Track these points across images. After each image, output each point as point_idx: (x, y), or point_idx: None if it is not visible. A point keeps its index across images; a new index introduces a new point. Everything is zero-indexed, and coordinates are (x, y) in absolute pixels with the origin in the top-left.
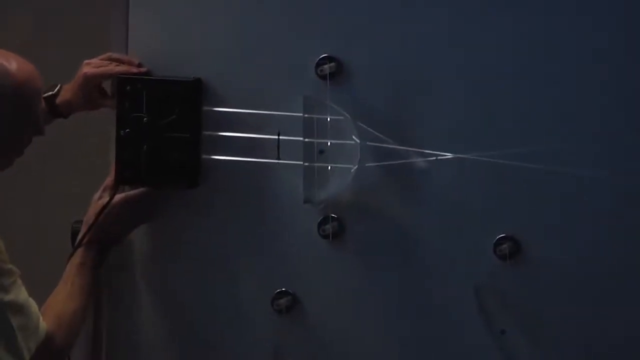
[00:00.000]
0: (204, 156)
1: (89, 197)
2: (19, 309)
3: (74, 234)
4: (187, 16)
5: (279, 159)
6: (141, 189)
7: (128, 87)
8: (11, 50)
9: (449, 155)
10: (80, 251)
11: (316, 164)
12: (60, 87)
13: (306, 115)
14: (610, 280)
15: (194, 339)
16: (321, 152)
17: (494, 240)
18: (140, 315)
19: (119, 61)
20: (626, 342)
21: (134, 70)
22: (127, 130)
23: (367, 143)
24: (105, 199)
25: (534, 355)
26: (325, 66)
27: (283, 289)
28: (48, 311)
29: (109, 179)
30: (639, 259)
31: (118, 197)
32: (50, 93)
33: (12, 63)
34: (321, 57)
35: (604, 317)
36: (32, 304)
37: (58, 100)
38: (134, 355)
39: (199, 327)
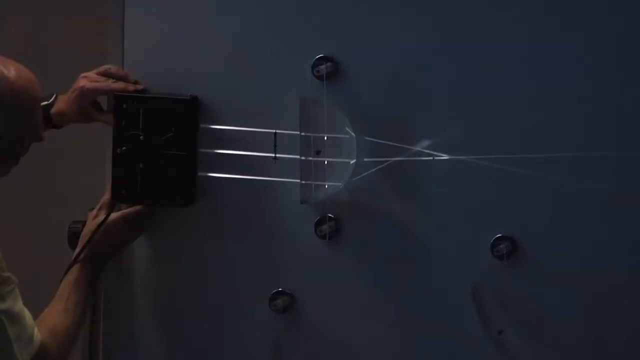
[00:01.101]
0: (201, 173)
1: (86, 198)
2: (13, 318)
3: (71, 235)
4: (182, 18)
5: (275, 158)
6: (138, 207)
7: (124, 105)
8: (9, 51)
9: (446, 156)
10: (75, 267)
11: (313, 165)
12: (56, 97)
13: (303, 116)
14: (608, 279)
15: (191, 341)
16: (318, 152)
17: (491, 240)
18: (136, 318)
19: (116, 77)
20: (623, 341)
21: (131, 87)
22: (124, 148)
23: (364, 143)
24: (102, 216)
25: (532, 355)
26: (322, 66)
27: (280, 289)
28: (42, 324)
29: (106, 197)
30: (637, 258)
31: (114, 215)
32: (46, 103)
33: (11, 70)
34: (318, 57)
35: (602, 316)
36: (27, 315)
37: (53, 110)
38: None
39: (197, 329)
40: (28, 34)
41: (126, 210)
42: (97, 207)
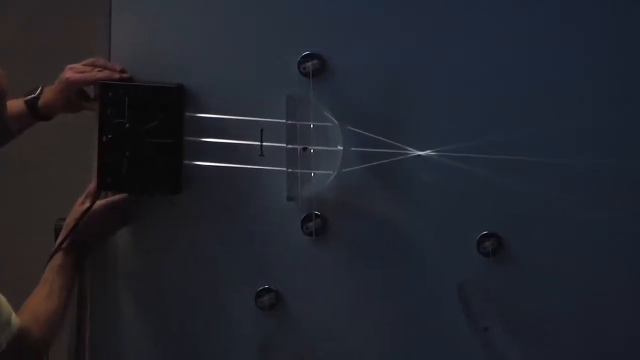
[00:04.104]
0: (187, 162)
1: (73, 195)
2: None
3: (58, 232)
4: (168, 16)
5: (261, 155)
6: (123, 195)
7: (110, 94)
8: (8, 51)
9: (433, 153)
10: (59, 254)
11: (299, 162)
12: (42, 90)
13: (289, 113)
14: (594, 276)
15: (178, 338)
16: (304, 149)
17: (477, 237)
18: (123, 315)
19: (102, 67)
20: (611, 338)
21: (116, 76)
22: (110, 136)
23: (351, 141)
24: (87, 204)
25: (518, 352)
26: (308, 63)
27: (266, 286)
28: (26, 309)
29: (92, 185)
30: (622, 253)
31: (99, 203)
32: (32, 96)
33: None
34: (304, 54)
35: (588, 313)
36: (2, 300)
37: (40, 102)
38: (118, 354)
39: (183, 326)
40: (28, 34)
41: (110, 198)
42: (83, 195)
